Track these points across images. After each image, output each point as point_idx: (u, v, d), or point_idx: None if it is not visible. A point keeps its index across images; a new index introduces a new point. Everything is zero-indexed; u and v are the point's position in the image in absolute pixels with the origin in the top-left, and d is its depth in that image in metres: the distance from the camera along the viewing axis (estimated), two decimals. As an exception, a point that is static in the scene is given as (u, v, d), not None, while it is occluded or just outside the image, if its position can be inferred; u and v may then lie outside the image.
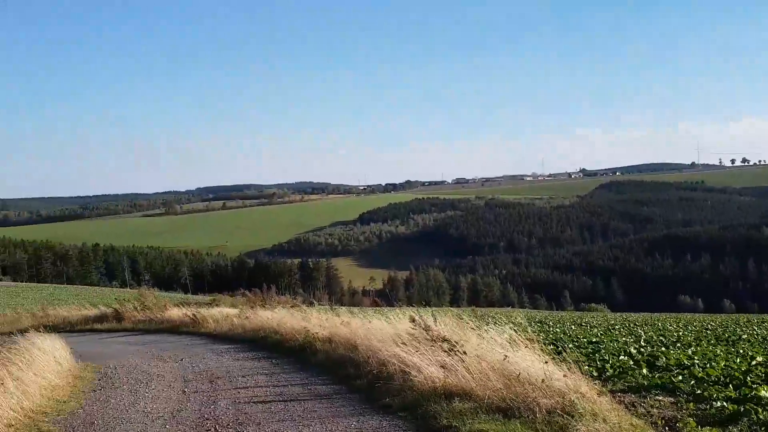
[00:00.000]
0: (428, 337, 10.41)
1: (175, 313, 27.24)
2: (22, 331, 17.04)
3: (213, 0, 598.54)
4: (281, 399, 10.46)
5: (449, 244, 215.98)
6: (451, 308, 13.31)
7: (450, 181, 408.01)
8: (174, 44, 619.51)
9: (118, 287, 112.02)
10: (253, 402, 10.36)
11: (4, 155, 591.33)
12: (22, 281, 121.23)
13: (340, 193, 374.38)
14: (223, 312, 24.99)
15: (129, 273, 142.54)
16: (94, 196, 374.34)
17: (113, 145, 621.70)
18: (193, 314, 25.32)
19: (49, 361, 12.64)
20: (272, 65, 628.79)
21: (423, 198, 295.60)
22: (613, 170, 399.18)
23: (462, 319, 11.18)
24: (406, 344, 10.66)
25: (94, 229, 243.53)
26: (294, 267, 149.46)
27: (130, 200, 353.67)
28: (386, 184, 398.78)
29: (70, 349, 14.82)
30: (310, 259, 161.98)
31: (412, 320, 10.88)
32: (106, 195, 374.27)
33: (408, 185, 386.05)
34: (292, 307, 20.92)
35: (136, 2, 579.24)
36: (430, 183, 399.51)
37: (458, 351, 9.67)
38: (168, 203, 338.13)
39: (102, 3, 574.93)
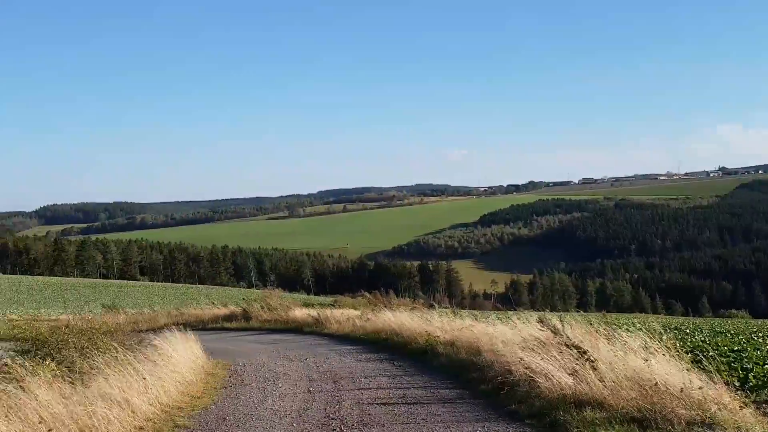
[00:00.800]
0: (556, 342, 10.04)
1: (299, 313, 27.93)
2: (159, 329, 17.91)
3: None
4: (404, 402, 10.41)
5: (576, 247, 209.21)
6: (579, 313, 12.76)
7: (576, 182, 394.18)
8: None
9: (245, 287, 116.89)
10: (377, 403, 10.36)
11: (143, 165, 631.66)
12: (158, 281, 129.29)
13: (460, 195, 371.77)
14: (345, 313, 25.34)
15: (255, 274, 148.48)
16: (222, 200, 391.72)
17: (240, 151, 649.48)
18: (317, 315, 25.84)
19: (183, 358, 13.20)
20: (399, 75, 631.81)
21: (547, 199, 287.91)
22: (756, 168, 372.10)
23: (591, 324, 10.75)
24: (532, 349, 10.33)
25: (223, 232, 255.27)
26: (413, 269, 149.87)
27: (256, 204, 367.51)
28: (508, 185, 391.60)
29: (202, 347, 15.44)
30: (429, 262, 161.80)
31: (541, 321, 10.52)
32: (234, 199, 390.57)
33: (531, 186, 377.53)
34: (412, 309, 20.83)
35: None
36: (555, 183, 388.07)
37: (589, 357, 9.31)
38: (291, 206, 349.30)
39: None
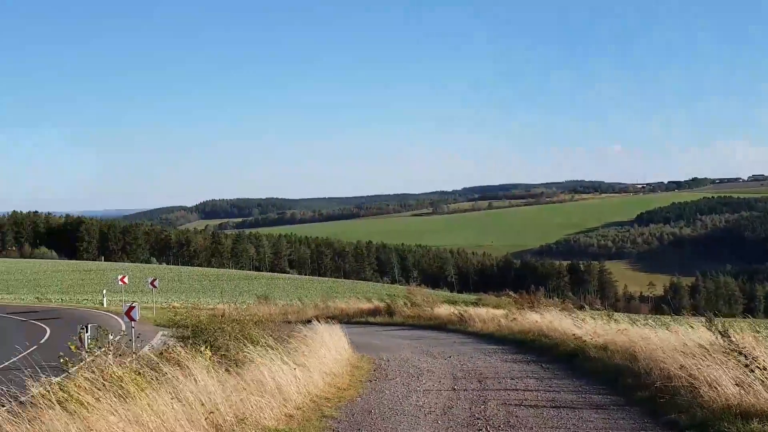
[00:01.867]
0: (722, 349, 9.32)
1: (443, 310, 27.84)
2: (307, 321, 18.45)
3: None
4: (553, 405, 10.13)
5: (743, 248, 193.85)
6: (746, 319, 11.75)
7: (746, 178, 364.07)
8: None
9: (388, 283, 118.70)
10: (524, 405, 10.13)
11: (294, 162, 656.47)
12: (305, 274, 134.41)
13: (615, 192, 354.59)
14: (489, 312, 24.98)
15: (399, 269, 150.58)
16: (367, 196, 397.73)
17: (378, 149, 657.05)
18: (460, 313, 25.64)
19: (330, 351, 13.49)
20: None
21: (713, 197, 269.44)
22: None
23: (759, 332, 9.92)
24: (695, 356, 9.68)
25: (368, 228, 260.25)
26: (563, 269, 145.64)
27: (400, 200, 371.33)
28: (668, 182, 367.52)
29: (347, 340, 15.72)
30: (580, 261, 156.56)
31: (707, 326, 9.78)
32: (378, 195, 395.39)
33: (694, 183, 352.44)
34: (561, 310, 20.12)
35: None
36: (722, 180, 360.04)
37: (758, 366, 8.71)
38: (435, 203, 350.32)
39: None
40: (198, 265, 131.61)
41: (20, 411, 6.78)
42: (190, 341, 10.99)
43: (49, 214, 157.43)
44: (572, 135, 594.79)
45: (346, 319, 29.89)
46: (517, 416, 9.38)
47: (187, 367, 8.78)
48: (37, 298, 52.17)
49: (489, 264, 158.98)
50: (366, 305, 34.66)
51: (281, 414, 8.96)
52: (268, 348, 10.85)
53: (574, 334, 15.78)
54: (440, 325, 25.56)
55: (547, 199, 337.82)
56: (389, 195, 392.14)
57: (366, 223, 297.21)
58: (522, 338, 18.63)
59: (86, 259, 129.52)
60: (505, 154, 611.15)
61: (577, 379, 12.26)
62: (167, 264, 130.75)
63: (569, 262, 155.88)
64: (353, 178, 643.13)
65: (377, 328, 26.70)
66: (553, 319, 18.29)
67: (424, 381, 12.50)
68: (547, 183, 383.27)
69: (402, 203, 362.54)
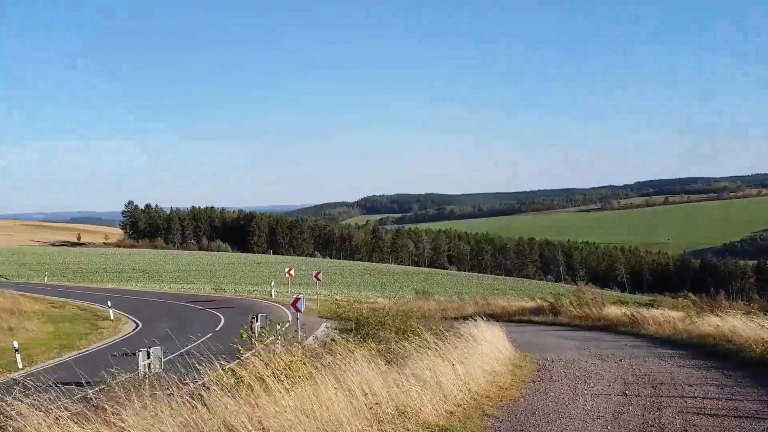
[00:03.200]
0: None
1: (613, 311, 26.55)
2: (466, 318, 18.30)
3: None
4: (735, 415, 9.36)
5: None
6: None
7: None
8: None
9: (552, 281, 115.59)
10: (703, 414, 9.44)
11: (447, 160, 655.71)
12: (465, 270, 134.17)
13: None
14: (665, 314, 23.47)
15: (564, 267, 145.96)
16: (530, 191, 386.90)
17: (549, 142, 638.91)
18: (632, 314, 24.32)
19: (491, 349, 13.24)
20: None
21: None
22: None
23: None
24: None
25: (530, 224, 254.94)
26: (748, 269, 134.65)
27: (566, 195, 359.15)
28: None
29: (508, 338, 15.37)
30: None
31: None
32: (542, 190, 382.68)
33: None
34: (746, 314, 18.49)
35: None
36: None
37: None
38: (604, 198, 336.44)
39: None
40: (359, 260, 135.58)
41: (198, 394, 7.21)
42: (353, 334, 11.24)
43: (223, 209, 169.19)
44: (755, 127, 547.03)
45: (506, 318, 29.38)
46: (695, 425, 8.73)
47: (350, 358, 8.94)
48: (214, 288, 55.94)
49: (664, 263, 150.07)
50: (528, 304, 33.82)
51: (441, 410, 8.88)
52: (428, 343, 10.83)
53: (762, 339, 14.45)
54: (609, 327, 24.40)
55: (731, 194, 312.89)
56: (553, 190, 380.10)
57: (528, 219, 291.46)
58: (701, 343, 17.33)
59: (256, 252, 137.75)
60: (686, 146, 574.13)
61: (763, 388, 11.19)
62: (330, 258, 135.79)
63: (756, 261, 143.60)
64: (515, 171, 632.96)
65: (540, 328, 25.99)
66: (736, 323, 16.85)
67: (592, 384, 11.94)
68: (731, 177, 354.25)
69: (568, 198, 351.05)
